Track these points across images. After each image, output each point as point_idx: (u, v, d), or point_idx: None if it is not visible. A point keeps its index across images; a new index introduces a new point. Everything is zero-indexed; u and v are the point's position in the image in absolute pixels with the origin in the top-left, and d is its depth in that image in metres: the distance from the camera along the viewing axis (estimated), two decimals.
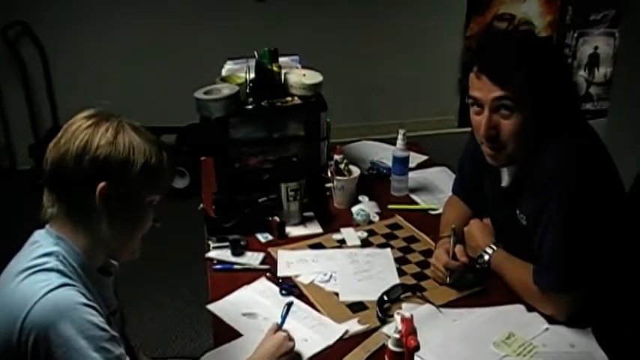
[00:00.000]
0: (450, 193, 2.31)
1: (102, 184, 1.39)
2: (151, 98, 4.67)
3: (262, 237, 2.22)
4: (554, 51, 1.83)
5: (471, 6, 5.26)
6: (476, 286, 1.94)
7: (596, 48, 5.51)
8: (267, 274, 2.03)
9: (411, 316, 1.52)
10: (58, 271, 1.36)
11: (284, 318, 1.71)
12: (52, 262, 1.37)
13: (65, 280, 1.35)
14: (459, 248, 1.95)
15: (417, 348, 1.47)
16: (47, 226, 1.46)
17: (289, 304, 1.74)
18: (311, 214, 2.33)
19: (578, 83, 5.37)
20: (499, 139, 1.77)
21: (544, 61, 1.74)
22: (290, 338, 1.65)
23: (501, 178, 1.95)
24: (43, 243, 1.42)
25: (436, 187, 2.57)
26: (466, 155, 2.16)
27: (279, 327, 1.69)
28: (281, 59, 2.47)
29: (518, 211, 1.90)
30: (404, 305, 1.87)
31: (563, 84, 1.79)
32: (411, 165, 2.57)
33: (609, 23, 5.38)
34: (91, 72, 4.76)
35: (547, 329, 1.76)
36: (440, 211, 2.32)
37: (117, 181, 1.40)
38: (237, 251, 2.11)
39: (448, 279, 1.93)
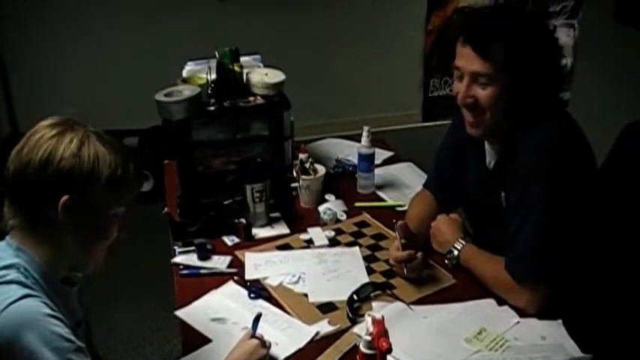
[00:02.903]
0: (417, 189, 2.31)
1: (65, 198, 1.36)
2: (111, 100, 4.57)
3: (229, 240, 2.19)
4: (545, 32, 1.85)
5: (432, 0, 5.26)
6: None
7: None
8: (235, 278, 2.00)
9: (382, 317, 1.50)
10: (20, 283, 1.33)
11: (254, 328, 1.65)
12: (13, 274, 1.34)
13: (27, 291, 1.32)
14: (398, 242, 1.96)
15: (389, 350, 1.45)
16: (7, 237, 1.43)
17: (258, 317, 1.66)
18: (277, 214, 2.31)
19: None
20: (478, 107, 1.81)
21: (529, 40, 1.77)
22: (263, 345, 1.62)
23: (486, 160, 1.96)
24: (2, 255, 1.39)
25: (402, 183, 2.57)
26: (444, 149, 2.17)
27: (252, 333, 1.63)
28: (242, 59, 2.43)
29: (503, 194, 1.90)
30: (374, 304, 1.86)
31: (548, 66, 1.80)
32: (377, 161, 2.56)
33: (568, 14, 5.42)
34: (49, 74, 4.64)
35: (518, 322, 1.76)
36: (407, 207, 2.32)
37: (80, 194, 1.37)
38: (204, 255, 2.08)
39: (405, 271, 1.92)
